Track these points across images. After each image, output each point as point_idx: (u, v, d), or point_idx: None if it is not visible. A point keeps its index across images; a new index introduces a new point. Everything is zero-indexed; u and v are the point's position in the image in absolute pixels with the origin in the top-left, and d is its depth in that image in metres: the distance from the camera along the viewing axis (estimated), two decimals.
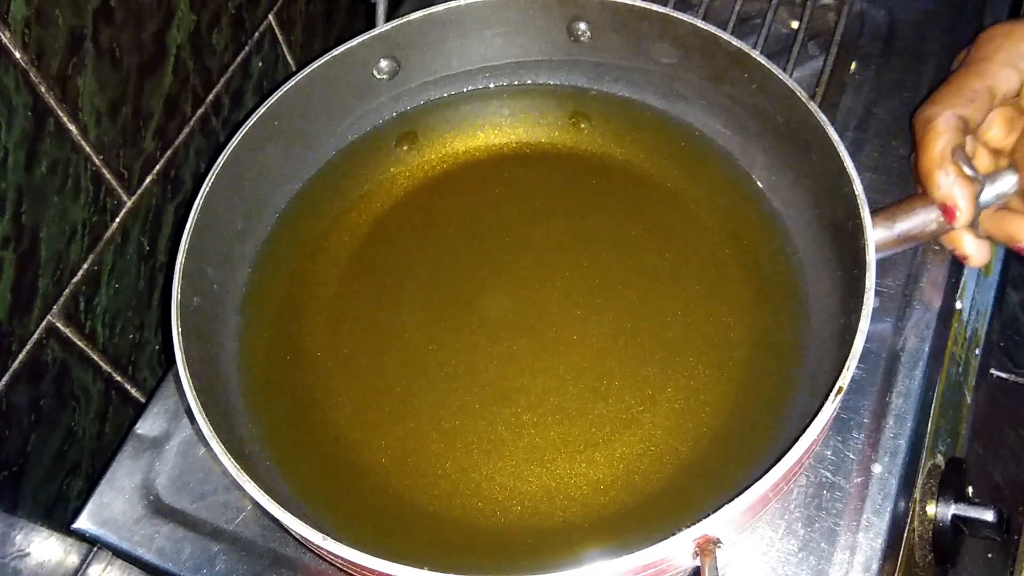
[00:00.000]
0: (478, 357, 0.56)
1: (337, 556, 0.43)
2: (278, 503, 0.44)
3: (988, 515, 0.54)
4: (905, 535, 0.53)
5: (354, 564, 0.42)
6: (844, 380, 0.44)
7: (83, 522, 0.55)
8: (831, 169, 0.52)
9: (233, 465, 0.45)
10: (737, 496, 0.42)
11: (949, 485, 0.56)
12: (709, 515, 0.41)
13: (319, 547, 0.43)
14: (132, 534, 0.54)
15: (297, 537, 0.46)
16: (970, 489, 0.58)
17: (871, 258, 0.48)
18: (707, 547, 0.42)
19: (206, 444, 0.46)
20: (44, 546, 0.58)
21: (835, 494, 0.51)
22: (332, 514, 0.51)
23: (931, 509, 0.56)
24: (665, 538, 0.41)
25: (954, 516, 0.55)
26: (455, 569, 0.41)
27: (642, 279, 0.58)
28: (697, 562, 0.43)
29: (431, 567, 0.41)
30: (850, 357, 0.45)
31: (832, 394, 0.44)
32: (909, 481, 0.52)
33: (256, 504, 0.45)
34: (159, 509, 0.55)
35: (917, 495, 0.55)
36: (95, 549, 0.61)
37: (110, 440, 0.61)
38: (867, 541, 0.50)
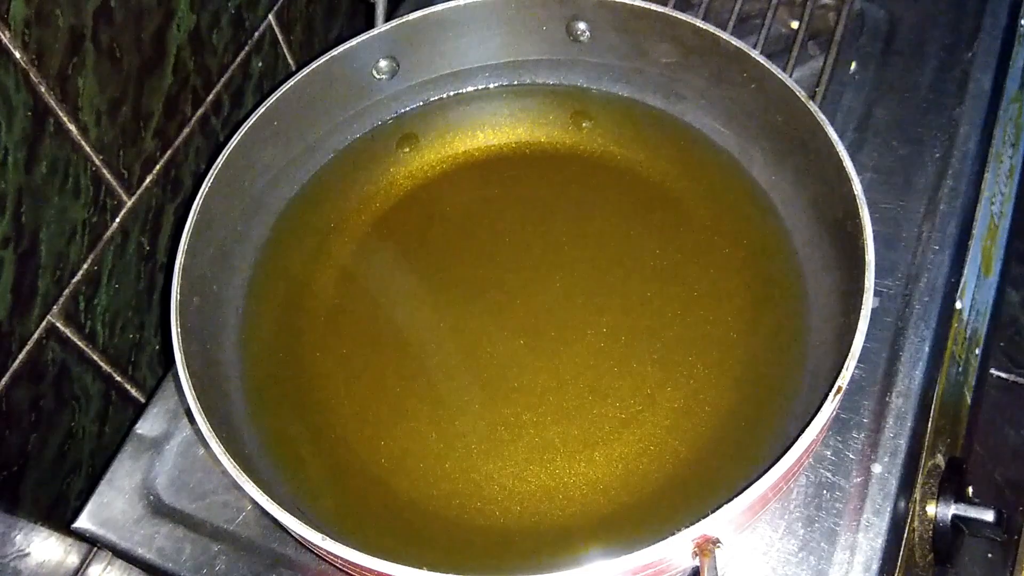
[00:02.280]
0: (477, 357, 0.56)
1: (337, 556, 0.43)
2: (278, 503, 0.44)
3: (988, 515, 0.54)
4: (905, 535, 0.53)
5: (354, 564, 0.42)
6: (844, 379, 0.44)
7: (83, 522, 0.55)
8: (830, 168, 0.52)
9: (233, 465, 0.45)
10: (736, 496, 0.42)
11: (949, 485, 0.56)
12: (708, 515, 0.41)
13: (319, 547, 0.43)
14: (132, 534, 0.54)
15: (297, 537, 0.46)
16: (970, 489, 0.58)
17: (870, 257, 0.48)
18: (706, 547, 0.42)
19: (206, 445, 0.46)
20: (44, 546, 0.58)
21: (835, 494, 0.51)
22: (332, 514, 0.51)
23: (931, 509, 0.56)
24: (664, 538, 0.41)
25: (954, 516, 0.55)
26: (455, 569, 0.41)
27: (641, 278, 0.58)
28: (696, 562, 0.43)
29: (430, 567, 0.41)
30: (850, 356, 0.45)
31: (832, 393, 0.44)
32: (909, 481, 0.52)
33: (256, 504, 0.45)
34: (159, 509, 0.55)
35: (917, 495, 0.55)
36: (95, 549, 0.61)
37: (110, 440, 0.61)
38: (867, 541, 0.50)
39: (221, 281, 0.57)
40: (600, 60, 0.64)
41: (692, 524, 0.41)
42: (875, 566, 0.49)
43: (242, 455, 0.47)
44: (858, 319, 0.46)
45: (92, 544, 0.60)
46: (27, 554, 0.56)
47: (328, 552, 0.43)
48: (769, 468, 0.42)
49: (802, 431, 0.43)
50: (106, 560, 0.61)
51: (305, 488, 0.52)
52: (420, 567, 0.41)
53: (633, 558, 0.41)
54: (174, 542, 0.54)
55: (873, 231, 0.49)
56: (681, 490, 0.51)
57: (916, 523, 0.55)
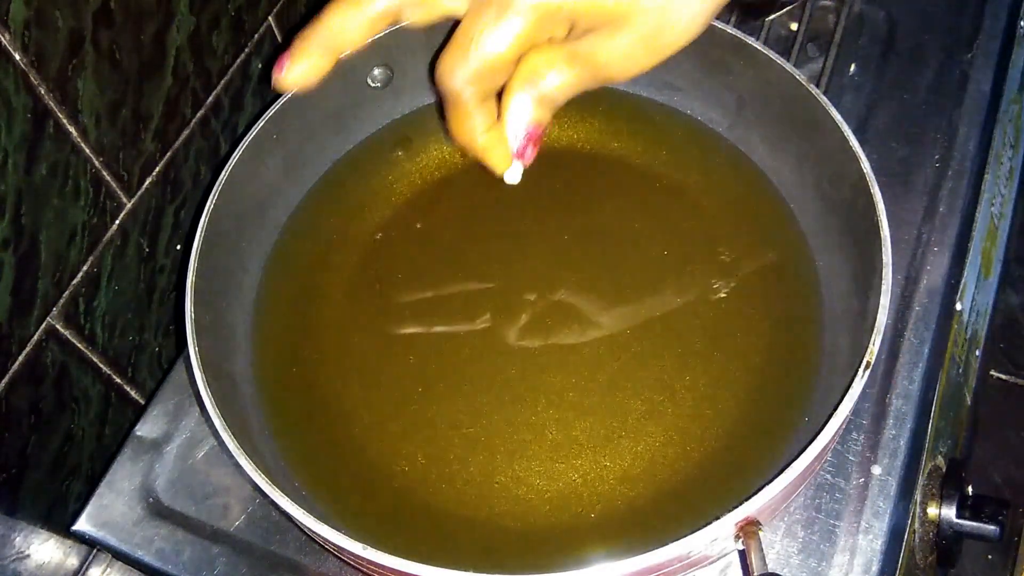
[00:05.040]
0: (493, 359, 0.55)
1: (381, 565, 0.42)
2: (315, 517, 0.43)
3: (990, 530, 0.54)
4: (906, 537, 0.53)
5: (398, 572, 0.42)
6: (871, 355, 0.44)
7: (83, 524, 0.55)
8: (835, 149, 0.51)
9: (273, 490, 0.44)
10: (778, 475, 0.41)
11: (950, 487, 0.56)
12: (752, 496, 0.41)
13: (358, 557, 0.42)
14: (132, 536, 0.54)
15: (333, 550, 0.45)
16: (970, 489, 0.58)
17: (886, 233, 0.47)
18: (750, 530, 0.42)
19: (246, 476, 0.45)
20: (43, 548, 0.57)
21: (835, 496, 0.51)
22: (361, 525, 0.51)
23: (932, 511, 0.56)
24: (708, 523, 0.41)
25: (956, 529, 0.55)
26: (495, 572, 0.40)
27: (650, 271, 0.58)
28: (740, 546, 0.42)
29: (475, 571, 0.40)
30: (875, 332, 0.44)
31: (860, 370, 0.44)
32: (909, 483, 0.52)
33: (288, 516, 0.44)
34: (159, 511, 0.55)
35: (918, 497, 0.55)
36: (95, 551, 0.61)
37: (109, 442, 0.61)
38: (867, 543, 0.50)
39: (230, 298, 0.56)
40: None
41: (736, 506, 0.41)
42: (875, 568, 0.49)
43: (267, 471, 0.46)
44: (878, 295, 0.45)
45: (91, 546, 0.60)
46: (26, 556, 0.56)
47: (369, 561, 0.42)
48: (796, 451, 0.42)
49: (836, 407, 0.43)
50: (105, 562, 0.61)
51: (330, 500, 0.52)
52: (466, 570, 0.40)
53: (678, 546, 0.40)
54: (174, 544, 0.54)
55: None
56: (710, 478, 0.50)
57: (917, 525, 0.55)
